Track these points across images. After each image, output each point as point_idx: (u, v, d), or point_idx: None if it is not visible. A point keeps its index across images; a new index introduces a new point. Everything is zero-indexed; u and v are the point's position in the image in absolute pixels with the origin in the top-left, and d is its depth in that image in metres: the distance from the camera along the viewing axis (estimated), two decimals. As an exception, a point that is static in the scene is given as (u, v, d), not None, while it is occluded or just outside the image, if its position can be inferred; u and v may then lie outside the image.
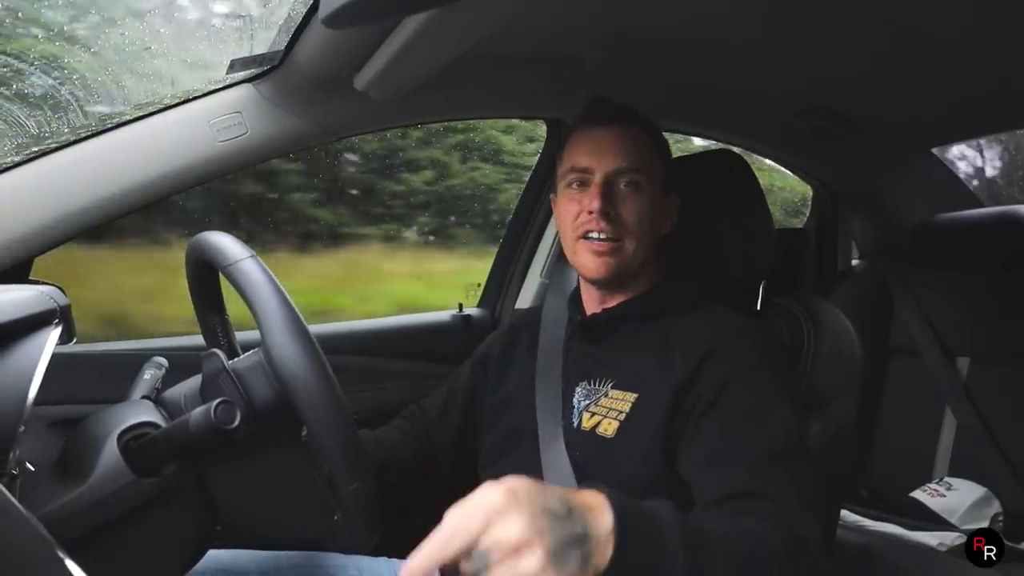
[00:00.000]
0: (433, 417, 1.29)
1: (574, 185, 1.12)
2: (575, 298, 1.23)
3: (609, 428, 1.03)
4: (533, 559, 0.60)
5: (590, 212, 1.07)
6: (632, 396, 1.04)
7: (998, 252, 1.80)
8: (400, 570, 0.65)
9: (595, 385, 1.10)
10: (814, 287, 1.92)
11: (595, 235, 1.08)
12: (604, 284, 1.13)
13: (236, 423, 0.81)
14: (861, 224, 2.10)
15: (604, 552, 0.66)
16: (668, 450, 0.99)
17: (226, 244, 0.88)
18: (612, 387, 1.07)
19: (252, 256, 0.86)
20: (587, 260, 1.09)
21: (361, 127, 1.37)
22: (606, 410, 1.05)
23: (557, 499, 0.65)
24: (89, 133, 1.13)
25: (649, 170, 1.10)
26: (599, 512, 0.67)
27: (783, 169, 2.08)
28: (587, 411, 1.07)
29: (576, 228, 1.10)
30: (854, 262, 2.17)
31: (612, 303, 1.15)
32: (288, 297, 0.84)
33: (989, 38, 1.21)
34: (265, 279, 0.84)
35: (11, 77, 1.14)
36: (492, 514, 0.62)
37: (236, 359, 0.90)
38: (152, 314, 2.27)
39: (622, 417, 1.03)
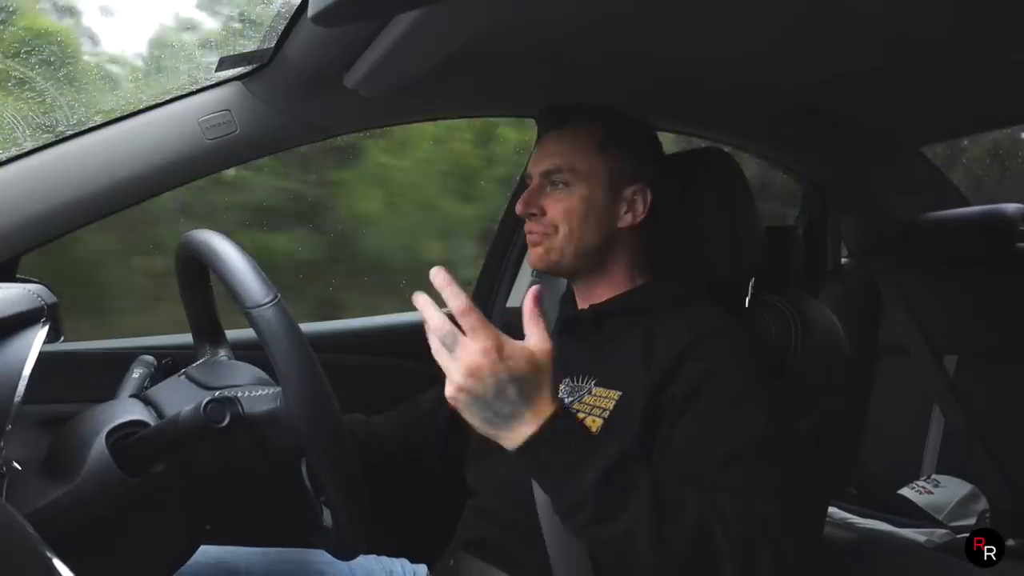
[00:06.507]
0: (425, 411, 1.32)
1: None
2: (567, 296, 1.25)
3: (593, 426, 1.03)
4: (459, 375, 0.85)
5: None
6: (616, 394, 1.04)
7: (985, 250, 1.81)
8: None
9: (579, 382, 1.10)
10: (804, 285, 1.92)
11: (528, 231, 1.16)
12: (550, 273, 1.21)
13: (226, 422, 0.81)
14: (850, 222, 2.11)
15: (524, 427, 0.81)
16: (649, 448, 0.99)
17: (249, 281, 0.84)
18: (595, 384, 1.08)
19: (276, 301, 0.83)
20: (529, 252, 1.18)
21: (351, 125, 1.37)
22: (589, 407, 1.05)
23: (516, 392, 0.81)
24: (77, 130, 1.12)
25: (583, 166, 1.13)
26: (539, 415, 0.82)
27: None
28: (571, 408, 1.08)
29: None
30: (843, 260, 2.18)
31: (598, 299, 1.16)
32: (309, 349, 0.84)
33: (976, 38, 1.22)
34: (289, 330, 0.83)
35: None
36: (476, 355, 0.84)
37: (250, 397, 0.89)
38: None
39: (605, 415, 1.03)
